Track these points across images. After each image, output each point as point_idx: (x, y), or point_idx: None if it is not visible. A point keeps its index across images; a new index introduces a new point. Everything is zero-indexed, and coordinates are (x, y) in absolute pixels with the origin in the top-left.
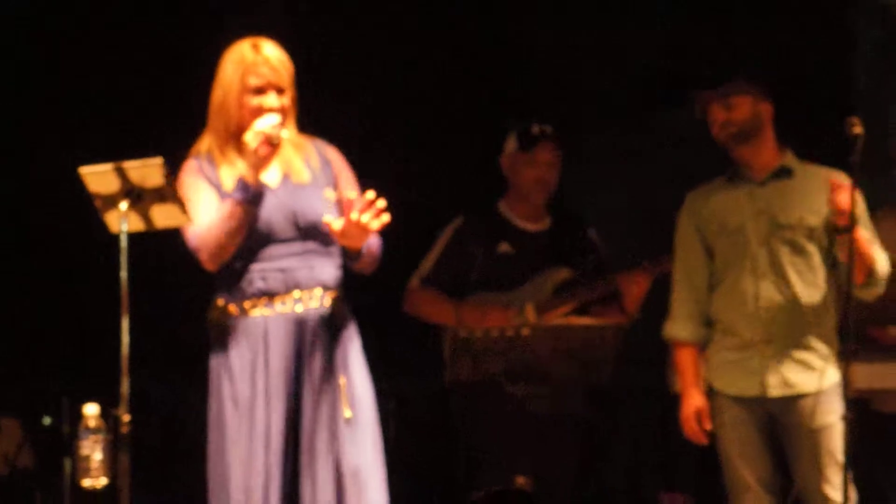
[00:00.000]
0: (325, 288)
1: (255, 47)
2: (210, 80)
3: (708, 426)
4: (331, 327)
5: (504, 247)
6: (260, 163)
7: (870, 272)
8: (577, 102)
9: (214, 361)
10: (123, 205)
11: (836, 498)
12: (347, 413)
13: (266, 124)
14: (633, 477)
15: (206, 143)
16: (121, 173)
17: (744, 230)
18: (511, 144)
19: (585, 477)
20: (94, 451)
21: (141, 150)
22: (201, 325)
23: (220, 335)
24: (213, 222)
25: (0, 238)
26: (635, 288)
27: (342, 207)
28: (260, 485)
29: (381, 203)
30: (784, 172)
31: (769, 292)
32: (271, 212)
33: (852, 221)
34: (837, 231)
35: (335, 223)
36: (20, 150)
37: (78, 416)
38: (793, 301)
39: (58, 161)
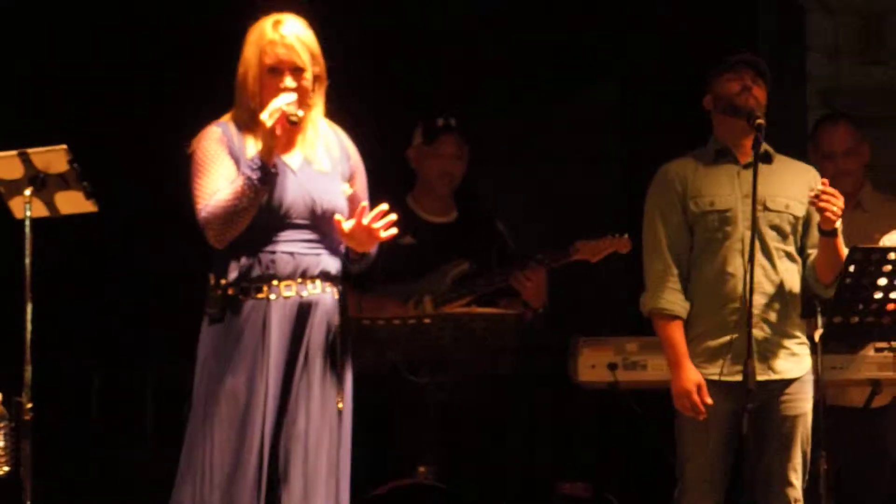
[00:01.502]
0: (330, 278)
1: (276, 24)
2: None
3: (708, 400)
4: (331, 317)
5: (407, 239)
6: (275, 142)
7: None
8: (479, 93)
9: (209, 341)
10: (28, 191)
11: (797, 483)
12: (340, 405)
13: (281, 103)
14: (529, 465)
15: (232, 118)
16: (25, 159)
17: (733, 211)
18: (417, 137)
19: (486, 465)
20: None
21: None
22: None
23: (219, 316)
24: (222, 199)
25: None
26: (529, 283)
27: (353, 209)
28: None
29: (393, 216)
30: (767, 157)
31: (758, 276)
32: (290, 194)
33: (837, 226)
34: (822, 233)
35: (345, 224)
36: None
37: None
38: (779, 286)
39: None
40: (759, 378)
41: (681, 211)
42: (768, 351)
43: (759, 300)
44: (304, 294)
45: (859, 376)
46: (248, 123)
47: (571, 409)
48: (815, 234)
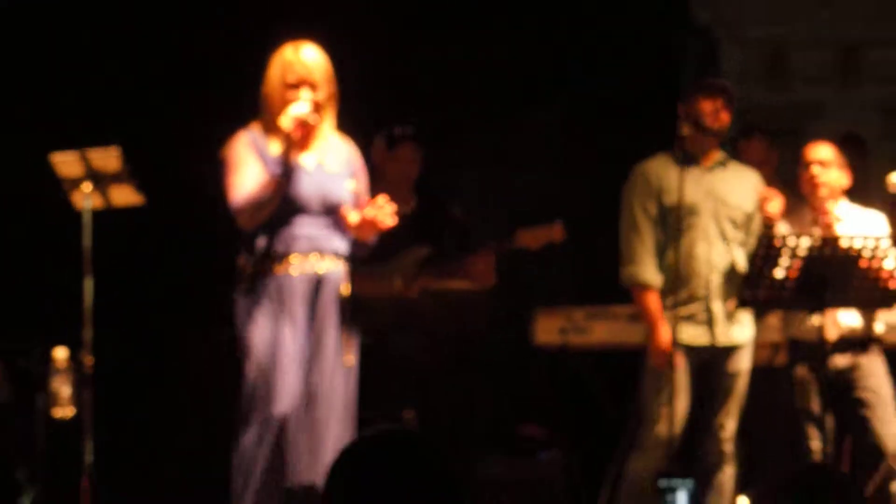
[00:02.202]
0: (338, 255)
1: (296, 48)
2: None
3: (679, 357)
4: (337, 287)
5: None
6: (293, 143)
7: None
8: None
9: (241, 311)
10: (87, 186)
11: (731, 426)
12: (351, 362)
13: (297, 111)
14: (495, 414)
15: (257, 125)
16: (84, 159)
17: (697, 206)
18: (379, 143)
19: (459, 414)
20: (63, 387)
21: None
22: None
23: (246, 286)
24: (254, 190)
25: None
26: (480, 264)
27: (356, 203)
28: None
29: (393, 207)
30: (723, 164)
31: (718, 257)
32: (306, 189)
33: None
34: (767, 227)
35: (352, 216)
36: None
37: (48, 360)
38: (732, 265)
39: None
40: (721, 342)
41: (656, 203)
42: (725, 320)
43: (717, 278)
44: (318, 269)
45: (764, 340)
46: (272, 129)
47: (530, 367)
48: (755, 227)
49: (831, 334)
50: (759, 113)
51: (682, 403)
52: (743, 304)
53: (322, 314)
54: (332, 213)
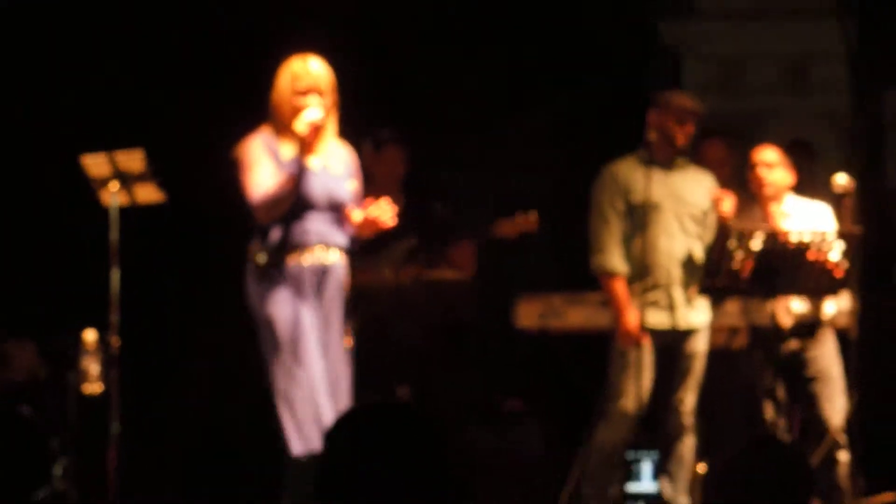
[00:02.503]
0: (340, 248)
1: (304, 60)
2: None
3: (644, 339)
4: (341, 278)
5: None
6: (306, 145)
7: None
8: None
9: (256, 294)
10: (114, 185)
11: (690, 401)
12: (348, 342)
13: (312, 116)
14: (482, 390)
15: (268, 129)
16: (112, 161)
17: (661, 204)
18: (367, 145)
19: (448, 391)
20: (92, 366)
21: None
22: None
23: (261, 274)
24: (273, 187)
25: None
26: (462, 253)
27: (357, 202)
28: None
29: (394, 209)
30: (683, 167)
31: (678, 249)
32: (314, 189)
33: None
34: (722, 223)
35: (356, 214)
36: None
37: (79, 341)
38: (691, 256)
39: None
40: (681, 326)
41: (623, 199)
42: (687, 306)
43: (677, 268)
44: (325, 261)
45: (722, 324)
46: (284, 133)
47: (512, 348)
48: (710, 222)
49: (785, 321)
50: (717, 120)
51: (645, 381)
52: (703, 291)
53: (328, 301)
54: (336, 210)
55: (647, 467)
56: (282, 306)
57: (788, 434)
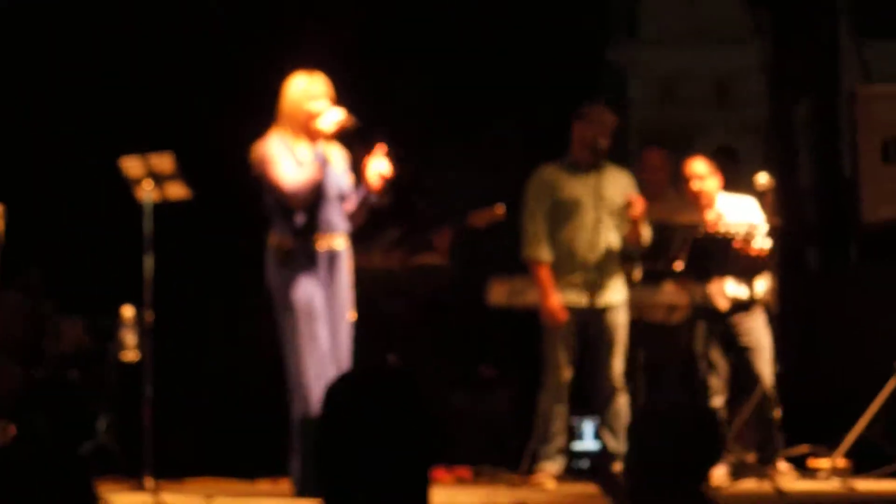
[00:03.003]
0: (346, 234)
1: (311, 73)
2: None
3: (566, 316)
4: (346, 262)
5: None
6: (329, 140)
7: (640, 241)
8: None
9: (279, 276)
10: (148, 183)
11: (617, 366)
12: (353, 316)
13: (336, 115)
14: (460, 359)
15: (279, 132)
16: (146, 162)
17: (581, 201)
18: (359, 149)
19: (430, 359)
20: (129, 337)
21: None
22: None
23: (284, 259)
24: (304, 177)
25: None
26: (441, 240)
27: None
28: (326, 352)
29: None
30: (599, 167)
31: (597, 239)
32: (327, 181)
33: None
34: (631, 222)
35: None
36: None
37: (118, 316)
38: (608, 245)
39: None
40: (598, 305)
41: (548, 197)
42: (604, 287)
43: (594, 256)
44: (336, 246)
45: (662, 301)
46: (297, 134)
47: (485, 322)
48: (627, 215)
49: (722, 304)
50: (657, 130)
51: (568, 351)
52: (646, 275)
53: (339, 281)
54: (340, 200)
55: (588, 429)
56: (302, 288)
57: (723, 394)
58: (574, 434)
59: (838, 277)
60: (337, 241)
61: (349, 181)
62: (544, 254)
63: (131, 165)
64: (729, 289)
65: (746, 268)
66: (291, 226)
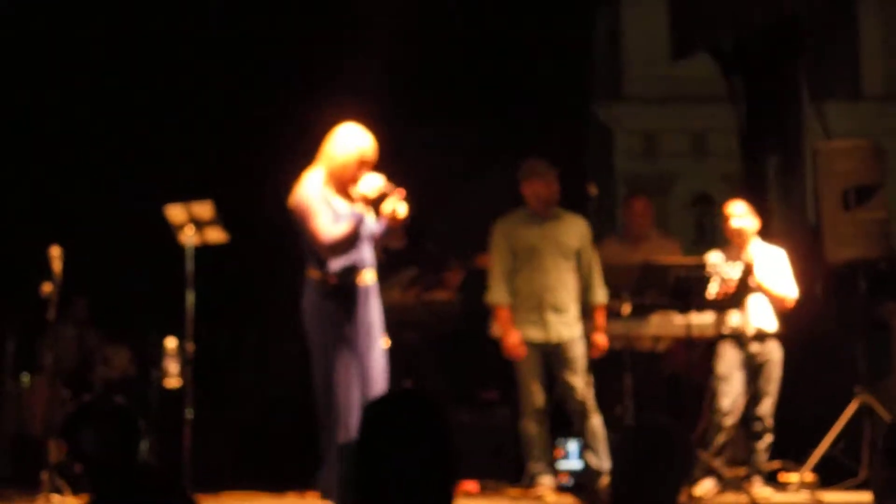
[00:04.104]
0: (375, 269)
1: (368, 137)
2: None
3: (524, 352)
4: (376, 292)
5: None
6: (370, 203)
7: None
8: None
9: (320, 309)
10: (190, 228)
11: (580, 387)
12: (385, 344)
13: (378, 184)
14: (466, 382)
15: (320, 180)
16: (188, 210)
17: (538, 247)
18: None
19: (440, 382)
20: (172, 366)
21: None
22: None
23: (327, 293)
24: (344, 231)
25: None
26: (453, 277)
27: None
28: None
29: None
30: (557, 216)
31: (551, 282)
32: (363, 227)
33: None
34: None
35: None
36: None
37: (162, 346)
38: (564, 286)
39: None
40: (554, 340)
41: (508, 247)
42: (559, 324)
43: (550, 296)
44: (368, 280)
45: (648, 332)
46: (340, 190)
47: (491, 350)
48: (585, 261)
49: (750, 330)
50: (640, 180)
51: (537, 379)
52: (634, 307)
53: (373, 311)
54: (371, 240)
55: (573, 445)
56: (344, 321)
57: (735, 416)
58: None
59: (805, 310)
60: (370, 275)
61: (375, 221)
62: (503, 298)
63: (175, 212)
64: (754, 319)
65: (722, 302)
66: (331, 263)
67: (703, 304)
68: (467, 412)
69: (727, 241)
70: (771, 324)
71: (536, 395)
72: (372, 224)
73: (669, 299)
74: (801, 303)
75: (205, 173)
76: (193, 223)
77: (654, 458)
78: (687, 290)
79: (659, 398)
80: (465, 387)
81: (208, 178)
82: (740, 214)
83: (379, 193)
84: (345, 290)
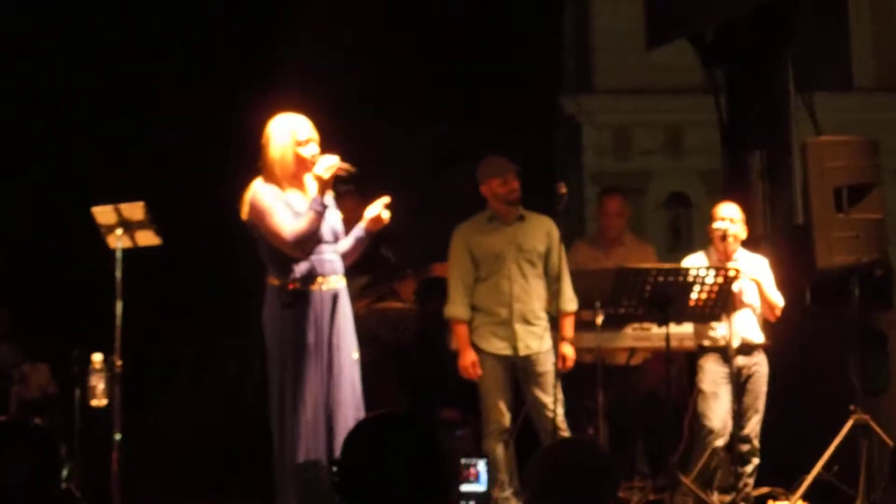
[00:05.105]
0: (342, 275)
1: (296, 116)
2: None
3: (479, 371)
4: (347, 299)
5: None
6: (326, 185)
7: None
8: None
9: (281, 318)
10: (119, 231)
11: (552, 408)
12: (355, 355)
13: (330, 161)
14: (425, 401)
15: (265, 180)
16: (117, 211)
17: (502, 253)
18: None
19: (395, 400)
20: (98, 383)
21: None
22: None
23: (288, 301)
24: (304, 226)
25: (36, 253)
26: (405, 288)
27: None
28: (321, 401)
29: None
30: (521, 218)
31: (517, 290)
32: (325, 224)
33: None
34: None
35: (368, 211)
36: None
37: (88, 362)
38: (531, 294)
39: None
40: (522, 353)
41: (468, 255)
42: (526, 336)
43: (518, 306)
44: (335, 286)
45: (623, 345)
46: (289, 180)
47: (452, 367)
48: (554, 264)
49: (735, 341)
50: (612, 178)
51: (503, 396)
52: (607, 317)
53: (341, 320)
54: (335, 241)
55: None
56: (304, 329)
57: (724, 436)
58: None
59: (794, 322)
60: (337, 281)
61: (340, 220)
62: (461, 313)
63: (103, 213)
64: (739, 329)
65: (702, 312)
66: (291, 269)
67: (683, 315)
68: None
69: (706, 245)
70: (757, 335)
71: (503, 414)
72: (334, 223)
73: (646, 309)
74: (787, 313)
75: (136, 172)
76: (123, 225)
77: (573, 476)
78: (665, 298)
79: (634, 417)
80: (423, 405)
81: (140, 178)
82: (733, 219)
83: (334, 172)
84: (306, 298)
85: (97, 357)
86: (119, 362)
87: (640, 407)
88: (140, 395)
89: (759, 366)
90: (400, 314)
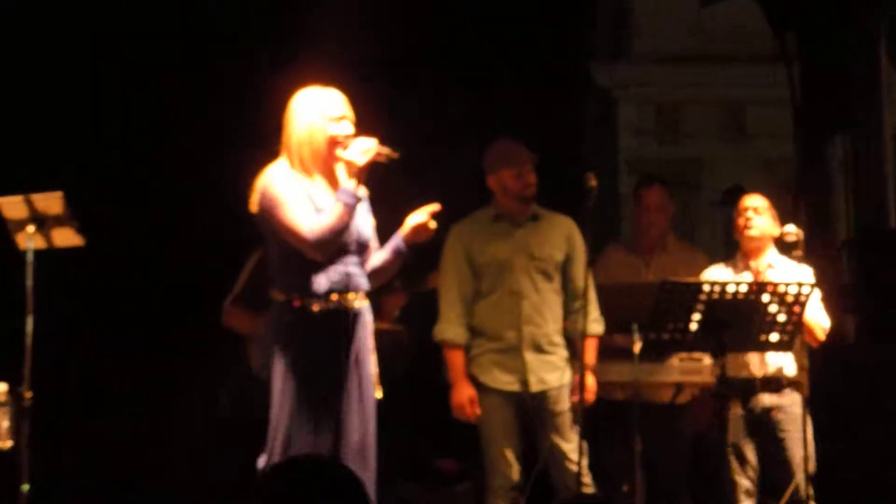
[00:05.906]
0: (366, 293)
1: (326, 88)
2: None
3: (478, 411)
4: (369, 322)
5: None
6: (361, 174)
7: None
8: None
9: (284, 337)
10: (30, 228)
11: (572, 453)
12: (379, 394)
13: (366, 145)
14: (413, 446)
15: (292, 169)
16: (29, 203)
17: (510, 262)
18: None
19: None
20: (2, 420)
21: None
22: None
23: (295, 319)
24: (329, 222)
25: None
26: (390, 304)
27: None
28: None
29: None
30: (535, 218)
31: (528, 309)
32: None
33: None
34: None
35: (410, 219)
36: None
37: None
38: (546, 315)
39: None
40: (534, 390)
41: (466, 261)
42: (539, 367)
43: (529, 329)
44: (353, 304)
45: (667, 379)
46: (312, 168)
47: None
48: (576, 276)
49: (756, 374)
50: (653, 165)
51: (510, 444)
52: (647, 344)
53: (358, 348)
54: (361, 251)
55: None
56: (311, 353)
57: (754, 497)
58: None
59: (881, 351)
60: (356, 299)
61: (371, 226)
62: (456, 335)
63: (11, 205)
64: (762, 361)
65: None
66: (302, 281)
67: (746, 343)
68: (417, 488)
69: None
70: (788, 366)
71: (509, 466)
72: (363, 228)
73: (697, 334)
74: (874, 341)
75: (53, 155)
76: (35, 221)
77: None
78: (722, 321)
79: (680, 467)
80: (414, 453)
81: (58, 162)
82: (757, 208)
83: (372, 158)
84: (317, 316)
85: (1, 388)
86: (28, 394)
87: (686, 455)
88: (55, 435)
89: (790, 406)
90: (387, 335)
